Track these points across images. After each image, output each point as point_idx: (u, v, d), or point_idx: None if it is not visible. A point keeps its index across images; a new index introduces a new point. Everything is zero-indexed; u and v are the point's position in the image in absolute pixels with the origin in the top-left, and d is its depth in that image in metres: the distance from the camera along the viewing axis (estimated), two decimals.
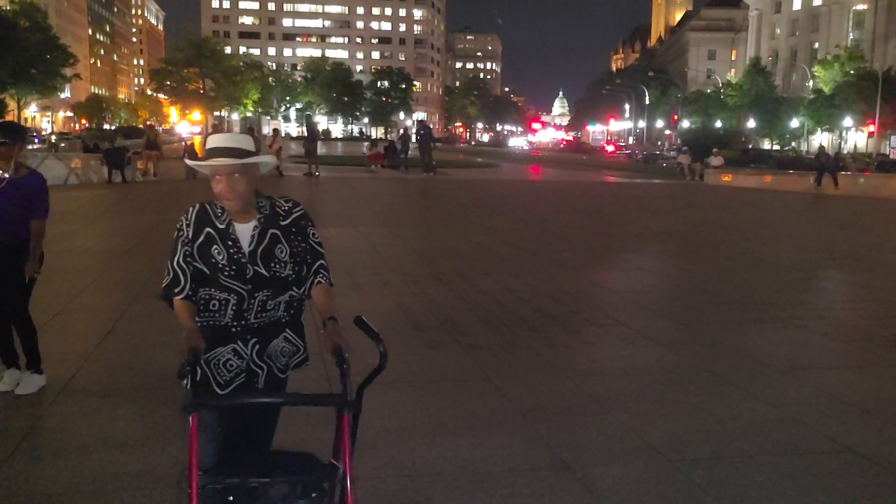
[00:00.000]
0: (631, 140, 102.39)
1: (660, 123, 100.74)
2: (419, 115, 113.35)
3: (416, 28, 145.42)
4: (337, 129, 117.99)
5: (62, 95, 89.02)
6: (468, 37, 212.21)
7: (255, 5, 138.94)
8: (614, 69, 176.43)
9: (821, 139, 66.18)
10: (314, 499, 2.30)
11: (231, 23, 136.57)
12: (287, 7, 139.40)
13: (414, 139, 30.79)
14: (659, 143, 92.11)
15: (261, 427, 2.77)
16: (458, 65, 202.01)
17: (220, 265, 2.60)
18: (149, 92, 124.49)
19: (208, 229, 2.62)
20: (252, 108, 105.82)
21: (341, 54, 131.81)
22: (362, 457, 3.98)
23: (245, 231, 2.62)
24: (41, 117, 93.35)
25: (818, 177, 29.13)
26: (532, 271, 9.74)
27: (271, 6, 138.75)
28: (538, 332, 6.63)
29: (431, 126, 32.30)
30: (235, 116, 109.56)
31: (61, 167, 22.79)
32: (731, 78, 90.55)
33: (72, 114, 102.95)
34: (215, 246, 2.60)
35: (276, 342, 2.72)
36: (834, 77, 65.40)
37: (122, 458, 3.90)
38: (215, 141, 2.58)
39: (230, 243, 2.61)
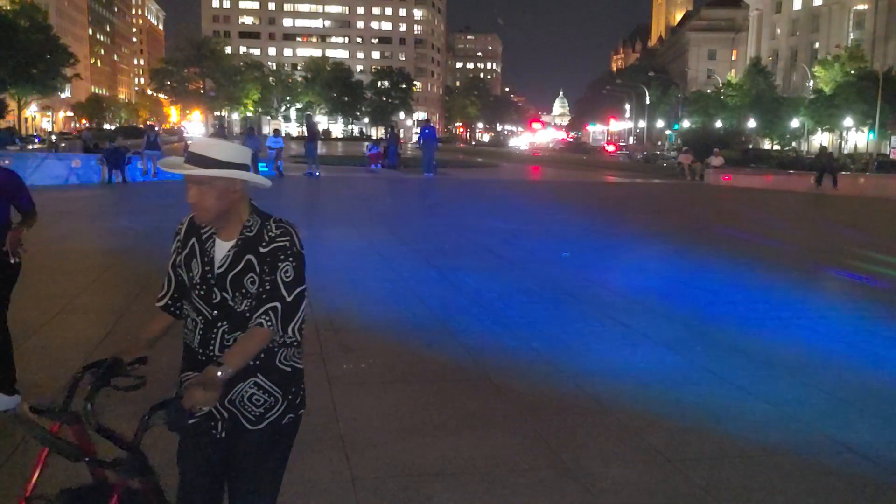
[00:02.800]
0: (631, 140, 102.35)
1: (660, 123, 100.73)
2: (420, 115, 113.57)
3: (417, 28, 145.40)
4: (337, 128, 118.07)
5: (62, 95, 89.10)
6: (468, 37, 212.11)
7: (256, 5, 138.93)
8: (615, 69, 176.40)
9: (821, 139, 66.20)
10: None
11: (231, 23, 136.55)
12: (287, 7, 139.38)
13: (416, 139, 30.93)
14: (659, 143, 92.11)
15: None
16: (458, 65, 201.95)
17: (194, 281, 2.36)
18: (149, 92, 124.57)
19: (194, 239, 2.39)
20: (252, 108, 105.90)
21: (341, 54, 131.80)
22: (362, 457, 3.99)
23: (223, 249, 2.34)
24: (41, 117, 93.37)
25: (818, 177, 29.12)
26: (532, 271, 9.74)
27: (271, 6, 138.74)
28: (538, 332, 6.63)
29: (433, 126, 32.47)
30: (235, 116, 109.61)
31: (61, 167, 22.81)
32: (732, 78, 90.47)
33: (72, 114, 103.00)
34: (195, 259, 2.37)
35: (242, 387, 2.30)
36: (834, 77, 65.38)
37: None
38: (192, 145, 2.34)
39: (206, 260, 2.34)
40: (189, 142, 30.02)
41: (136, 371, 2.31)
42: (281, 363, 2.35)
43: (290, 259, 2.29)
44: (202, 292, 2.33)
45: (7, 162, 18.68)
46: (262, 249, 2.29)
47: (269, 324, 2.26)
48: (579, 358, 6.01)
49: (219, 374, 2.11)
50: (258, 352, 2.27)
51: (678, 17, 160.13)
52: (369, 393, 5.03)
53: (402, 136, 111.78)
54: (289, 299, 2.28)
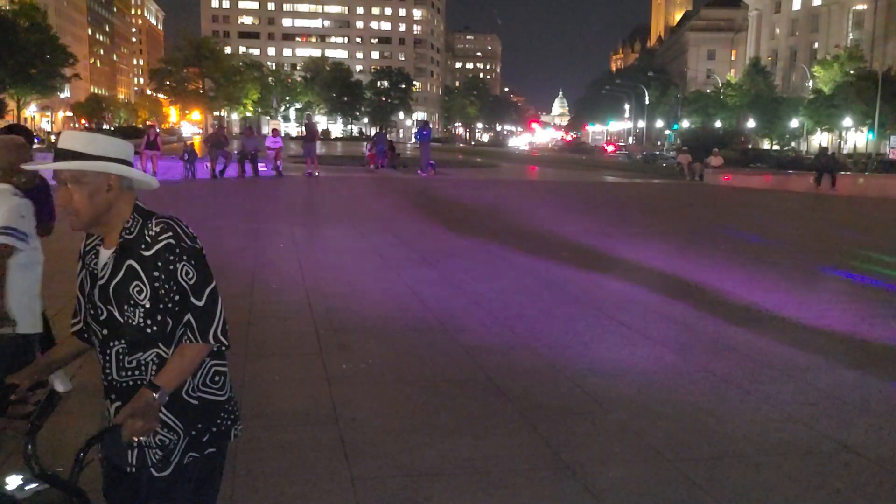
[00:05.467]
0: (631, 140, 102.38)
1: (660, 123, 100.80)
2: (419, 115, 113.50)
3: (416, 28, 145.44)
4: (337, 128, 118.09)
5: (62, 95, 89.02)
6: (468, 37, 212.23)
7: (255, 5, 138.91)
8: (614, 69, 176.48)
9: (820, 139, 66.25)
10: None
11: (231, 23, 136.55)
12: (287, 7, 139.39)
13: (414, 139, 31.03)
14: (659, 143, 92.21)
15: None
16: (458, 65, 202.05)
17: (85, 300, 2.14)
18: (148, 92, 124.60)
19: (86, 254, 2.17)
20: (251, 109, 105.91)
21: (341, 54, 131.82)
22: (362, 457, 3.98)
23: (104, 259, 2.09)
24: (41, 117, 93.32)
25: (818, 177, 29.15)
26: (532, 271, 9.73)
27: (271, 6, 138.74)
28: (538, 332, 6.63)
29: (431, 126, 32.71)
30: (235, 116, 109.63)
31: None
32: (731, 78, 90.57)
33: (71, 114, 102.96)
34: (87, 276, 2.14)
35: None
36: (833, 77, 65.45)
37: None
38: (59, 139, 2.07)
39: (91, 273, 2.11)
40: (191, 141, 29.37)
41: (34, 397, 2.08)
42: (187, 395, 2.08)
43: (185, 257, 2.03)
44: (91, 311, 2.10)
45: None
46: (145, 253, 2.02)
47: (192, 336, 2.04)
48: (579, 358, 6.00)
49: (154, 396, 1.93)
50: (196, 367, 2.06)
51: (678, 17, 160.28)
52: (369, 393, 5.03)
53: (401, 135, 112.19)
54: (201, 304, 2.04)
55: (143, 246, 2.03)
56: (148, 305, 2.01)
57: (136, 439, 1.87)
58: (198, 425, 2.09)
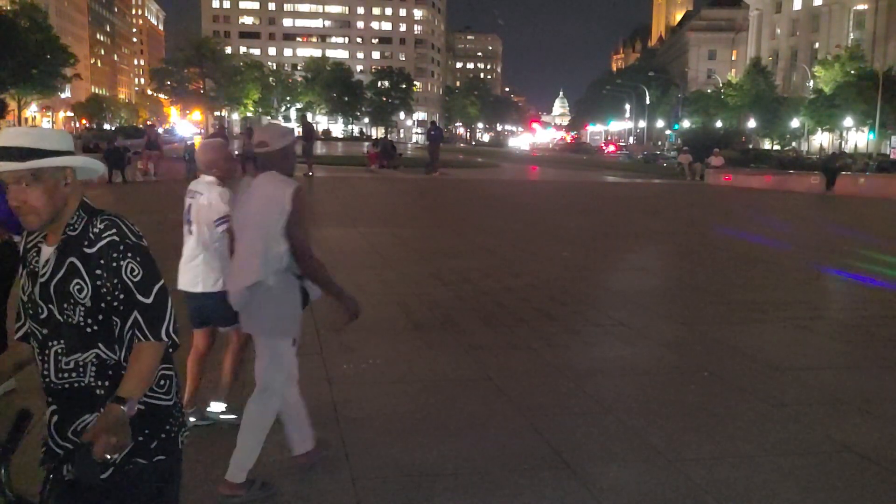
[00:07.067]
0: (631, 140, 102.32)
1: (660, 123, 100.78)
2: (420, 115, 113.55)
3: (417, 28, 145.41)
4: (337, 129, 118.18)
5: (62, 95, 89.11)
6: (468, 37, 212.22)
7: (256, 5, 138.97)
8: (615, 69, 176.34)
9: (821, 139, 66.22)
10: None
11: (231, 23, 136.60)
12: (287, 7, 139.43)
13: (424, 138, 31.33)
14: (659, 142, 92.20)
15: None
16: (459, 65, 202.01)
17: (25, 300, 2.07)
18: (149, 92, 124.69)
19: (27, 252, 2.09)
20: (252, 109, 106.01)
21: (341, 54, 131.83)
22: (362, 457, 3.99)
23: (45, 256, 2.02)
24: (41, 117, 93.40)
25: (824, 177, 29.25)
26: (532, 271, 9.74)
27: (271, 6, 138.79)
28: (538, 332, 6.63)
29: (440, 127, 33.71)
30: (236, 116, 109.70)
31: None
32: (732, 78, 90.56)
33: (72, 114, 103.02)
34: (28, 275, 2.06)
35: (89, 420, 1.98)
36: (834, 77, 65.44)
37: None
38: (1, 138, 1.96)
39: (31, 270, 2.04)
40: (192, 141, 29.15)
41: None
42: None
43: (129, 254, 1.98)
44: (31, 310, 2.03)
45: None
46: (87, 250, 1.97)
47: (139, 339, 1.99)
48: (579, 358, 6.01)
49: (123, 409, 1.88)
50: (155, 367, 2.01)
51: (678, 17, 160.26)
52: (369, 393, 5.03)
53: (401, 135, 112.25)
54: (149, 300, 1.99)
55: (86, 243, 1.97)
56: (89, 304, 1.97)
57: (109, 456, 1.80)
58: (144, 431, 2.01)
